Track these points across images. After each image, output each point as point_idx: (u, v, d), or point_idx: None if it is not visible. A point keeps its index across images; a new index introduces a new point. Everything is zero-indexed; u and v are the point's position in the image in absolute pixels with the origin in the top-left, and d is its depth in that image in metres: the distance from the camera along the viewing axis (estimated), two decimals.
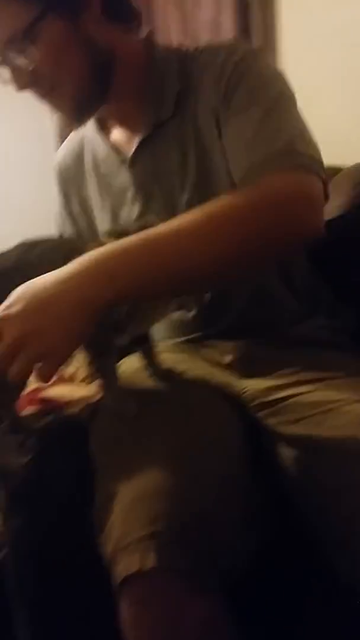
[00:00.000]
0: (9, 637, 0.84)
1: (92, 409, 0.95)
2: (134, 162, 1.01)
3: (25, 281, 0.75)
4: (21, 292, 0.72)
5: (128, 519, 0.72)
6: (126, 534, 0.71)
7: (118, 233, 0.83)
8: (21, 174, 2.68)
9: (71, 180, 1.14)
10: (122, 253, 0.75)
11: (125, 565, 0.69)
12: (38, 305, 0.70)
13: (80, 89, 0.93)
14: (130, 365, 1.03)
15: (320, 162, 0.87)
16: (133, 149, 1.01)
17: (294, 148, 0.85)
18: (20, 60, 0.88)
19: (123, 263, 0.74)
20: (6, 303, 0.72)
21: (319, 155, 0.88)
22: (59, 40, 0.89)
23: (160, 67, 0.98)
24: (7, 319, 0.70)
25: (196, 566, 0.69)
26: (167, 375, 0.97)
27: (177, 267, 0.77)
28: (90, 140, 1.10)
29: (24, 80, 0.90)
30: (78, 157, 1.12)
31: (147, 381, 0.98)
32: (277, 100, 0.90)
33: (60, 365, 0.73)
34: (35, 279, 0.73)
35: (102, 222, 1.10)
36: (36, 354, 0.70)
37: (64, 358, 0.73)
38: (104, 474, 0.82)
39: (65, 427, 0.94)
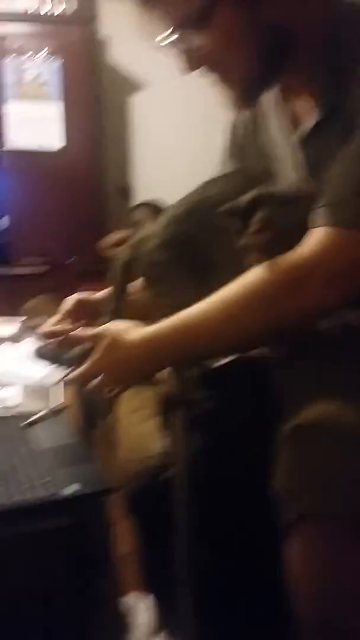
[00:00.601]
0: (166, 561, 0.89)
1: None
2: (305, 144, 0.95)
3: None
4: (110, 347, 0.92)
5: (312, 462, 0.74)
6: (308, 475, 0.73)
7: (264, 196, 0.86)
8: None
9: (243, 141, 1.11)
10: (164, 337, 0.89)
11: (304, 505, 0.72)
12: (115, 365, 0.93)
13: (251, 71, 0.90)
14: None
15: None
16: (307, 130, 0.94)
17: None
18: (192, 43, 0.88)
19: (165, 345, 0.89)
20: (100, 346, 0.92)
21: None
22: (232, 24, 0.86)
23: (340, 42, 0.89)
24: (99, 362, 0.93)
25: None
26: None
27: (210, 345, 0.89)
28: (269, 105, 1.04)
29: (194, 62, 0.90)
30: (253, 119, 1.08)
31: None
32: None
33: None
34: (118, 340, 0.91)
35: None
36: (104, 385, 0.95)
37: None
38: (289, 409, 0.82)
39: (248, 366, 0.96)
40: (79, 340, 0.98)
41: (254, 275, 0.84)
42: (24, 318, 2.37)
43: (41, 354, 1.19)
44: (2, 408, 1.38)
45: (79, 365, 0.95)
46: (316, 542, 0.72)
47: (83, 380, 0.95)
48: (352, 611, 0.71)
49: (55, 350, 1.08)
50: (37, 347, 1.21)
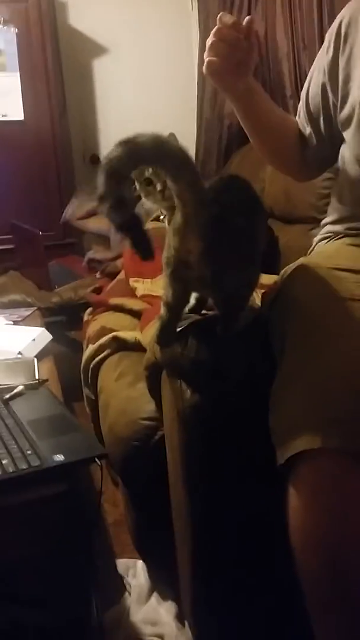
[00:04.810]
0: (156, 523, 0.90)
1: (270, 299, 0.93)
2: None
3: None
4: None
5: (311, 400, 0.72)
6: (307, 412, 0.71)
7: None
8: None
9: (346, 34, 1.07)
10: None
11: (304, 441, 0.69)
12: None
13: None
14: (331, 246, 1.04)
15: None
16: None
17: None
18: None
19: None
20: None
21: None
22: None
23: None
24: None
25: None
26: None
27: None
28: None
29: None
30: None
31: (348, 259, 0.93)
32: None
33: None
34: None
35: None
36: None
37: None
38: (288, 354, 0.81)
39: None
40: None
41: None
42: None
43: None
44: None
45: None
46: (318, 482, 0.70)
47: None
48: (357, 556, 0.69)
49: None
50: None
